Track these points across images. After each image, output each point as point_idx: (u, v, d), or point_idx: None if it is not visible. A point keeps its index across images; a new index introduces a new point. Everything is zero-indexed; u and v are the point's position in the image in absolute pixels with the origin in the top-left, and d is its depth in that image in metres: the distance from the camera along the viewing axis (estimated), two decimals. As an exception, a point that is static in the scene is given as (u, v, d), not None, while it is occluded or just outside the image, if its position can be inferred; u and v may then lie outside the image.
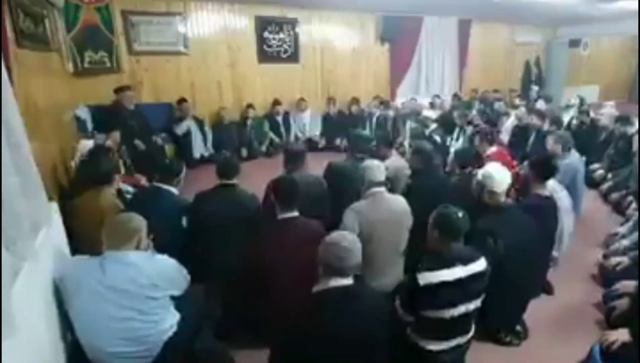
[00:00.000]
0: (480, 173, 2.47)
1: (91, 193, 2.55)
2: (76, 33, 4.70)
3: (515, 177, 3.57)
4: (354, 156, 3.26)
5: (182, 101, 5.79)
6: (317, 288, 1.59)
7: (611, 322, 2.33)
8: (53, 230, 2.08)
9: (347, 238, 1.61)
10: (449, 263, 1.78)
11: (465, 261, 1.81)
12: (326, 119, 7.09)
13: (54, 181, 3.16)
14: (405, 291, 1.82)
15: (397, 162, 3.45)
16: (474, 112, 6.13)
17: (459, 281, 1.76)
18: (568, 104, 6.78)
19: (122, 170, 3.37)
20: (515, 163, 4.04)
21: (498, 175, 2.38)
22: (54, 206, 2.27)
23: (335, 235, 1.63)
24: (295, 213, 2.26)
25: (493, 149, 3.76)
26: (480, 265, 1.85)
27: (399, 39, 7.79)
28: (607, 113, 5.43)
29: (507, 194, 2.53)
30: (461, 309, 1.80)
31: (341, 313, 1.53)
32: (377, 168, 2.47)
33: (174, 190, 2.75)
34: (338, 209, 2.48)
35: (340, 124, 6.87)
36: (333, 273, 1.56)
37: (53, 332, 1.85)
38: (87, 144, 3.74)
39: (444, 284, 1.74)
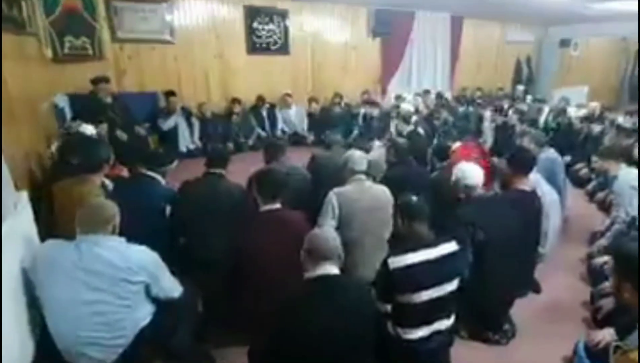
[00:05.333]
0: (454, 171, 2.60)
1: (78, 181, 2.46)
2: (56, 17, 4.51)
3: (486, 172, 3.61)
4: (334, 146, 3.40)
5: (169, 93, 5.62)
6: (307, 276, 1.66)
7: (599, 322, 2.31)
8: (21, 220, 2.01)
9: (328, 230, 1.85)
10: (414, 246, 1.84)
11: (432, 244, 1.87)
12: (312, 115, 6.97)
13: (27, 170, 3.03)
14: (379, 278, 1.89)
15: (379, 152, 3.56)
16: (443, 112, 6.11)
17: (428, 263, 1.81)
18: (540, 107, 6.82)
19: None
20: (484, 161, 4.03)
21: (469, 170, 2.54)
22: (24, 195, 2.17)
23: (316, 229, 1.83)
24: (277, 205, 2.23)
25: (457, 144, 3.82)
26: (449, 246, 1.90)
27: (391, 34, 7.73)
28: (578, 114, 5.53)
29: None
30: (434, 292, 1.81)
31: (329, 302, 1.58)
32: (358, 158, 2.60)
33: (160, 179, 2.72)
34: (322, 200, 2.50)
35: (326, 121, 6.77)
36: (318, 258, 1.63)
37: (20, 324, 1.81)
38: (86, 128, 3.67)
39: (412, 266, 1.79)
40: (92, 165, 2.53)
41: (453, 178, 2.58)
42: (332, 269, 1.64)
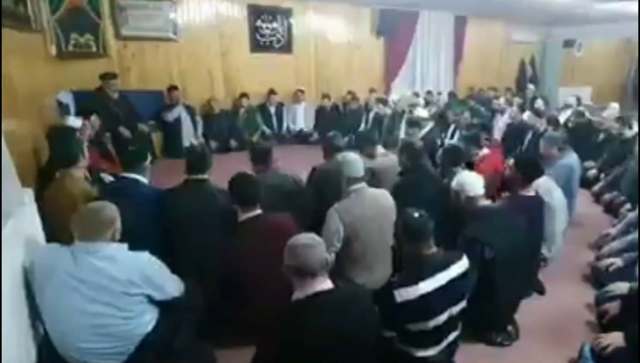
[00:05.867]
0: (453, 183, 2.44)
1: (59, 177, 2.46)
2: (61, 14, 4.52)
3: (502, 179, 3.55)
4: (331, 155, 3.09)
5: (172, 88, 5.67)
6: (296, 296, 1.51)
7: (604, 325, 2.29)
8: (25, 218, 1.98)
9: (307, 239, 1.54)
10: (426, 274, 1.70)
11: (444, 266, 1.75)
12: (320, 113, 6.97)
13: (32, 167, 3.03)
14: (383, 308, 1.71)
15: (385, 159, 3.37)
16: (466, 113, 6.05)
17: (439, 290, 1.69)
18: (567, 103, 6.79)
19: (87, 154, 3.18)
20: (504, 165, 3.96)
21: (470, 180, 2.37)
22: (29, 193, 2.16)
23: (293, 239, 1.55)
24: (258, 211, 2.17)
25: (485, 151, 3.69)
26: (461, 265, 1.80)
27: (395, 34, 7.71)
28: (609, 115, 5.40)
29: (492, 196, 2.48)
30: (445, 315, 1.74)
31: (325, 320, 1.47)
32: (355, 163, 2.37)
33: (143, 179, 2.59)
34: (325, 212, 2.37)
35: (335, 119, 6.78)
36: (306, 276, 1.48)
37: (21, 325, 1.77)
38: (74, 121, 3.64)
39: (424, 296, 1.66)
40: (65, 160, 2.52)
41: (453, 190, 2.42)
42: (325, 284, 1.51)
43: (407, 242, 1.78)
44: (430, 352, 1.78)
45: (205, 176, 2.58)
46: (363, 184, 2.38)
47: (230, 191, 2.22)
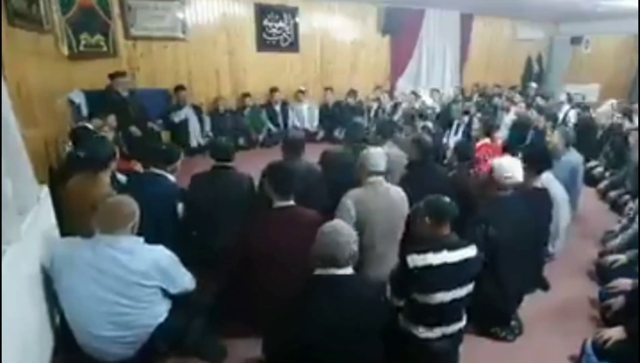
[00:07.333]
0: (493, 165, 2.46)
1: (86, 178, 2.47)
2: (72, 15, 4.60)
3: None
4: (351, 144, 3.24)
5: (179, 88, 5.71)
6: (318, 272, 1.62)
7: (607, 321, 2.31)
8: (42, 213, 2.06)
9: (341, 229, 1.62)
10: (435, 247, 1.82)
11: (453, 247, 1.86)
12: (324, 109, 6.99)
13: (45, 165, 3.11)
14: (395, 273, 1.89)
15: (393, 152, 3.38)
16: (472, 104, 6.10)
17: (447, 266, 1.80)
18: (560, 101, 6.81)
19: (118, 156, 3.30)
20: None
21: (508, 164, 2.40)
22: (45, 190, 2.23)
23: (328, 226, 1.64)
24: (291, 202, 2.22)
25: (486, 140, 3.76)
26: (469, 251, 1.89)
27: (400, 32, 7.71)
28: (604, 111, 5.39)
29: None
30: (450, 295, 1.82)
31: (331, 299, 1.55)
32: (378, 156, 2.41)
33: (169, 176, 2.69)
34: (334, 198, 2.45)
35: (338, 115, 6.82)
36: (326, 264, 1.58)
37: (40, 314, 1.85)
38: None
39: (431, 267, 1.78)
40: (99, 162, 2.51)
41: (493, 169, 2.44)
42: (346, 270, 1.60)
43: (432, 220, 1.88)
44: (433, 333, 1.86)
45: (231, 164, 2.72)
46: (381, 178, 2.41)
47: (269, 176, 2.26)
